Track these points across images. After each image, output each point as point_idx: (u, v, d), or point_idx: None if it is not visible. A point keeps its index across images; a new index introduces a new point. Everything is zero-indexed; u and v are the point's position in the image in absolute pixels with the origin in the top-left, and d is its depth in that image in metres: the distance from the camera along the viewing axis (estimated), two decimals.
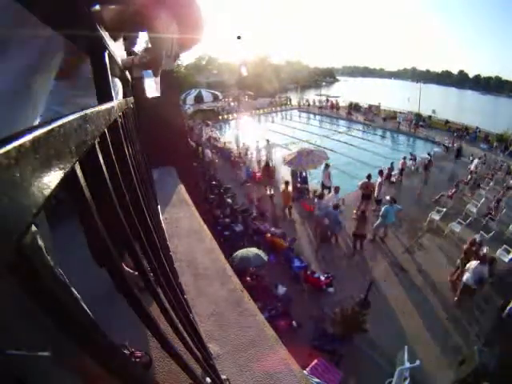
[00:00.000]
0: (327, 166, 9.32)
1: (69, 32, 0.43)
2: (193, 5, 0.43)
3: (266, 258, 5.32)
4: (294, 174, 10.25)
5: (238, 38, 26.31)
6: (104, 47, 0.53)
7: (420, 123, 19.35)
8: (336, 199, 7.60)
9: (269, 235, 6.99)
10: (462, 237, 7.41)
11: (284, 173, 11.21)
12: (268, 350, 1.26)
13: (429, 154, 11.75)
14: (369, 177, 8.42)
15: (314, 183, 10.56)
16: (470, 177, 10.95)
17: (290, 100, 30.23)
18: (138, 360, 1.14)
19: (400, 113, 21.55)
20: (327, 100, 27.74)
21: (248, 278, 5.14)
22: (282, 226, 7.92)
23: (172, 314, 0.66)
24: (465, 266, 5.59)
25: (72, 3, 0.35)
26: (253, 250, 5.33)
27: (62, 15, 0.37)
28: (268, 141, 12.64)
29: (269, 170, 10.11)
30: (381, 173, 8.65)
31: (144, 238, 0.58)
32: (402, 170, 10.96)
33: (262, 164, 11.12)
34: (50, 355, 0.49)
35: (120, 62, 0.78)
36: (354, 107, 24.55)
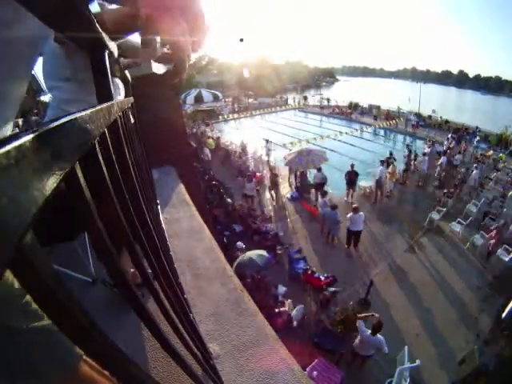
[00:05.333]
0: (319, 169, 9.32)
1: (69, 32, 0.43)
2: (196, 7, 0.42)
3: (264, 262, 5.08)
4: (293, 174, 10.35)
5: (241, 40, 26.35)
6: (104, 47, 0.53)
7: (420, 123, 19.35)
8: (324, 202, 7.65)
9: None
10: (462, 237, 7.43)
11: (285, 173, 11.25)
12: (268, 350, 1.26)
13: (409, 149, 11.80)
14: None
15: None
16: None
17: (287, 100, 30.35)
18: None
19: (399, 112, 21.60)
20: (328, 100, 27.76)
21: (249, 280, 5.08)
22: (282, 226, 7.95)
23: (172, 314, 0.66)
24: None
25: (72, 3, 0.35)
26: (252, 255, 5.11)
27: (62, 15, 0.37)
28: (267, 140, 12.74)
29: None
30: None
31: (144, 238, 0.58)
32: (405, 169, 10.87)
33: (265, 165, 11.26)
34: None
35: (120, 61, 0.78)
36: (354, 107, 24.55)
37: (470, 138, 16.37)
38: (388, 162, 10.24)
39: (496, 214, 8.22)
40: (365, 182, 9.98)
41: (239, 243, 6.21)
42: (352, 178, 9.25)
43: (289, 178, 11.04)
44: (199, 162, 10.95)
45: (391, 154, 10.71)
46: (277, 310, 4.81)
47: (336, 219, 6.84)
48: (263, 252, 5.32)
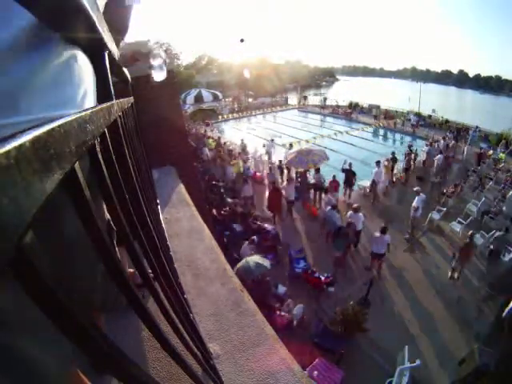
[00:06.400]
0: (318, 170, 9.26)
1: (69, 33, 0.43)
2: None
3: (268, 264, 5.10)
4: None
5: (241, 40, 26.35)
6: (104, 47, 0.53)
7: (420, 122, 19.35)
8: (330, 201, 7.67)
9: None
10: (462, 236, 7.42)
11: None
12: (268, 350, 1.26)
13: (410, 148, 11.75)
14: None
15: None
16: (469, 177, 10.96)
17: (287, 100, 30.39)
18: None
19: (396, 112, 21.70)
20: (325, 99, 27.77)
21: (249, 281, 5.06)
22: (282, 226, 7.95)
23: (172, 314, 0.66)
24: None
25: (72, 4, 0.35)
26: (253, 259, 5.08)
27: (63, 16, 0.37)
28: (272, 140, 12.83)
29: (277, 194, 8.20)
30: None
31: (144, 238, 0.58)
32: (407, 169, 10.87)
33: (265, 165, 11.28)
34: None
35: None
36: (354, 107, 24.56)
37: (469, 137, 16.33)
38: (393, 159, 10.37)
39: (496, 213, 8.22)
40: (363, 182, 9.96)
41: (245, 245, 6.13)
42: (349, 177, 9.17)
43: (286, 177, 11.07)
44: (199, 161, 10.95)
45: (393, 153, 10.76)
46: (278, 312, 4.81)
47: (334, 219, 6.85)
48: (262, 260, 5.21)
